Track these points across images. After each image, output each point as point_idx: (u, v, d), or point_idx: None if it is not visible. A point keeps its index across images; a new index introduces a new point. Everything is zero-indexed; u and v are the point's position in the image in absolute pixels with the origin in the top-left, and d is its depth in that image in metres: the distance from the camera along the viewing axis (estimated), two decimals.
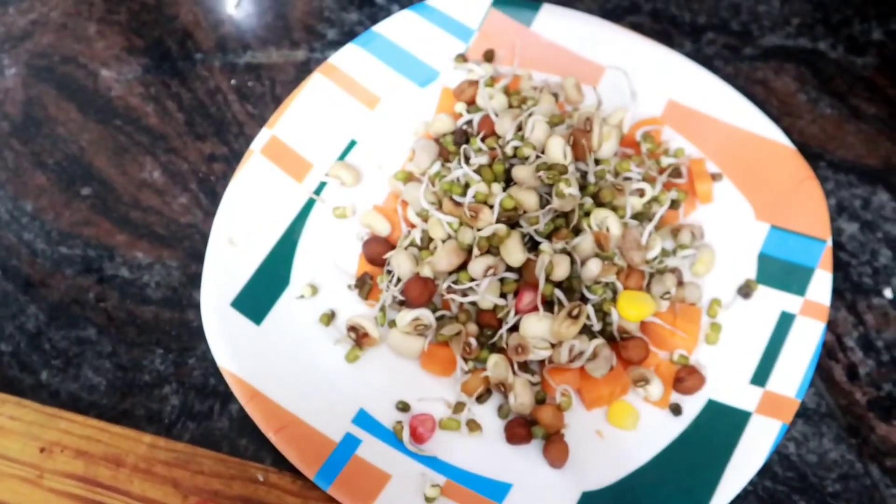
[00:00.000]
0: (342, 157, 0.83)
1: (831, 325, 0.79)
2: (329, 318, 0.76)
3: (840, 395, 0.77)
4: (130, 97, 0.89)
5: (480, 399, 0.74)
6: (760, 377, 0.74)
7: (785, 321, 0.76)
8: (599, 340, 0.73)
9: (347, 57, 0.86)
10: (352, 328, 0.75)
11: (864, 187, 0.86)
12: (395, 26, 0.87)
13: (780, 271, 0.78)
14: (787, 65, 0.92)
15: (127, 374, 0.77)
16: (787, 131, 0.88)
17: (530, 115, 0.79)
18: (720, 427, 0.73)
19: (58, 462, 0.71)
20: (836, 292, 0.81)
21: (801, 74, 0.92)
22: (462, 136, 0.81)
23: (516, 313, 0.73)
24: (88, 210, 0.84)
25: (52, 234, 0.82)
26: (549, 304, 0.73)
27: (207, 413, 0.75)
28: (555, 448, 0.72)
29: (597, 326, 0.74)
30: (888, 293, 0.81)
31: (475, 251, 0.73)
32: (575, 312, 0.71)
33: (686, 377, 0.74)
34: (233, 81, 0.90)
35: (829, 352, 0.78)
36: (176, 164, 0.86)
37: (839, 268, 0.82)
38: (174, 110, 0.88)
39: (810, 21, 0.95)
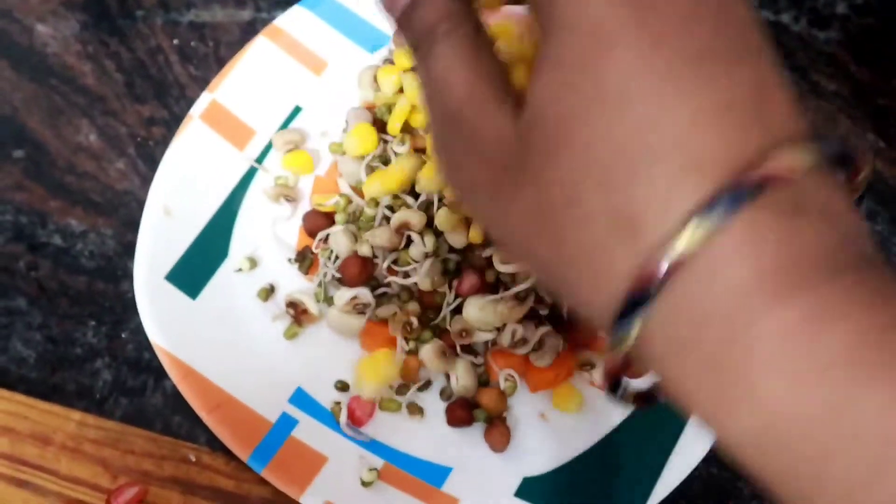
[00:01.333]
0: (286, 124, 0.81)
1: None
2: (268, 293, 0.74)
3: None
4: (67, 55, 0.85)
5: (422, 388, 0.72)
6: None
7: None
8: (546, 328, 0.71)
9: (294, 19, 0.83)
10: (291, 304, 0.73)
11: None
12: None
13: None
14: None
15: (58, 347, 0.74)
16: None
17: None
18: (666, 411, 0.71)
19: None
20: None
21: None
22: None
23: (458, 296, 0.71)
24: (21, 174, 0.80)
25: None
26: (494, 286, 0.71)
27: (141, 389, 0.73)
28: (496, 432, 0.70)
29: (545, 310, 0.72)
30: None
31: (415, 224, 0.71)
32: (522, 295, 0.69)
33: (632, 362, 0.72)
34: (175, 41, 0.86)
35: None
36: (113, 128, 0.82)
37: None
38: (113, 70, 0.85)
39: None
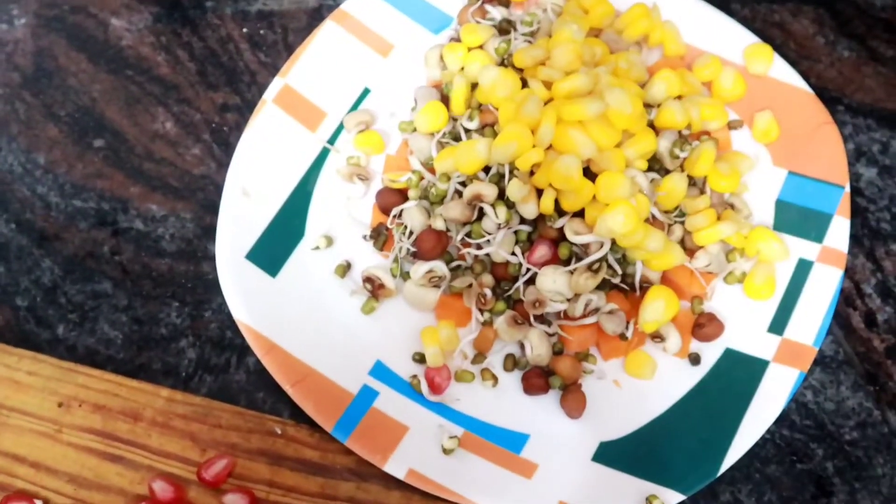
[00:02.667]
0: (356, 106, 0.83)
1: (849, 272, 0.79)
2: (344, 269, 0.76)
3: (858, 343, 0.76)
4: (141, 47, 0.88)
5: (506, 366, 0.74)
6: (778, 325, 0.74)
7: (802, 268, 0.76)
8: (614, 305, 0.73)
9: (360, 3, 0.85)
10: (367, 279, 0.75)
11: (883, 131, 0.85)
12: None
13: (797, 218, 0.78)
14: (804, 7, 0.91)
15: (143, 327, 0.77)
16: (805, 75, 0.86)
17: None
18: (738, 376, 0.73)
19: (76, 416, 0.72)
20: (854, 239, 0.80)
21: (818, 16, 0.90)
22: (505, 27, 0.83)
23: (529, 267, 0.73)
24: (101, 162, 0.83)
25: (65, 186, 0.82)
26: (567, 258, 0.73)
27: (224, 366, 0.75)
28: (572, 398, 0.72)
29: (617, 278, 0.73)
30: None
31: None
32: (595, 266, 0.71)
33: (706, 323, 0.74)
34: (244, 29, 0.89)
35: (847, 299, 0.78)
36: (188, 115, 0.85)
37: (857, 214, 0.81)
38: (185, 60, 0.88)
39: None
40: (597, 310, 0.72)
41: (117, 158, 0.83)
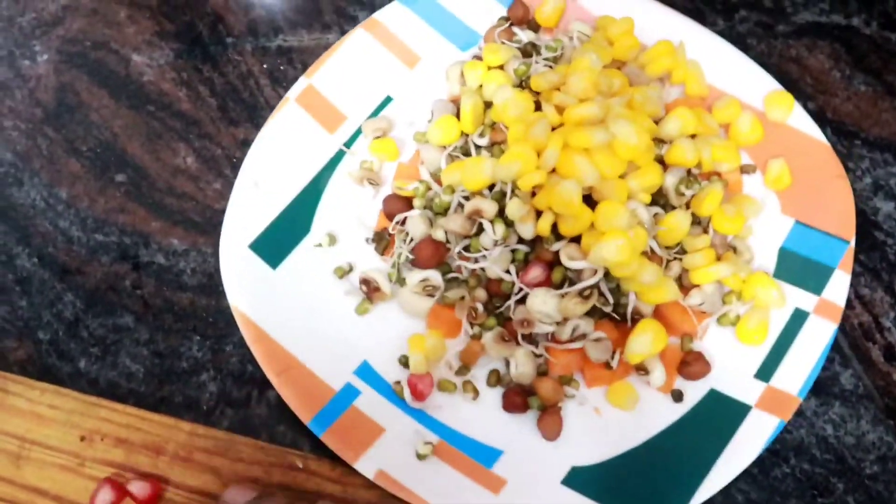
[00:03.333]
0: (376, 113, 0.85)
1: (868, 306, 0.79)
2: (344, 271, 0.78)
3: (878, 377, 0.76)
4: (162, 82, 0.89)
5: (489, 381, 0.75)
6: (765, 372, 0.74)
7: (798, 318, 0.76)
8: (601, 334, 0.73)
9: (392, 14, 0.87)
10: (364, 281, 0.76)
11: None
12: None
13: (799, 267, 0.78)
14: (820, 42, 0.91)
15: (164, 361, 0.77)
16: (822, 109, 0.87)
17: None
18: (718, 417, 0.73)
19: (98, 450, 0.72)
20: (873, 272, 0.80)
21: (834, 51, 0.91)
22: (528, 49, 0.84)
23: (521, 286, 0.74)
24: (123, 197, 0.84)
25: (87, 221, 0.83)
26: (560, 281, 0.74)
27: (245, 400, 0.76)
28: (549, 420, 0.72)
29: (609, 307, 0.74)
30: None
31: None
32: (586, 293, 0.71)
33: (692, 362, 0.74)
34: (264, 65, 0.90)
35: (866, 333, 0.78)
36: (209, 150, 0.86)
37: (875, 248, 0.81)
38: (206, 95, 0.88)
39: None
40: (584, 336, 0.73)
41: (139, 193, 0.84)
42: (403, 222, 0.79)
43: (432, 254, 0.75)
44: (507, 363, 0.74)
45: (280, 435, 0.74)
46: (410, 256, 0.76)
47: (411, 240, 0.77)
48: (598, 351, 0.72)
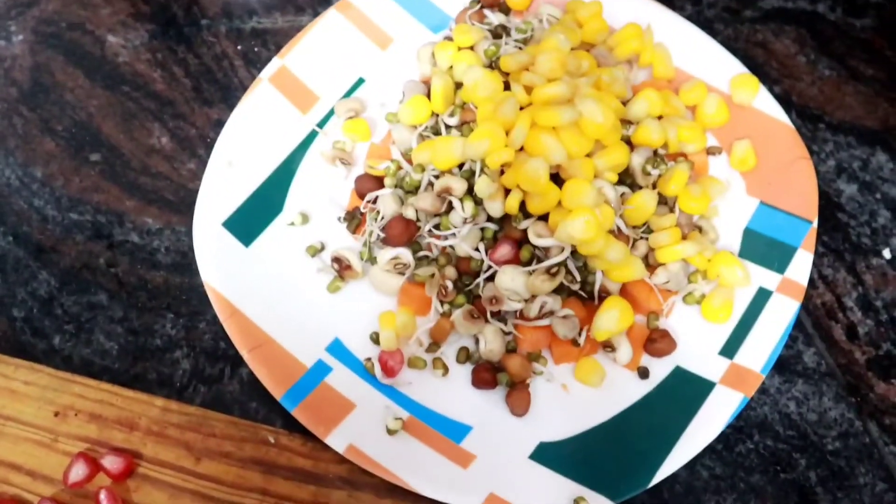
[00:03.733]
0: (349, 94, 0.85)
1: (831, 286, 0.81)
2: (316, 250, 0.79)
3: (840, 355, 0.78)
4: (137, 63, 0.90)
5: (459, 358, 0.76)
6: (729, 349, 0.75)
7: (761, 297, 0.77)
8: (569, 311, 0.74)
9: None
10: (336, 259, 0.77)
11: (863, 148, 0.87)
12: None
13: (763, 247, 0.79)
14: (786, 27, 0.93)
15: (138, 338, 0.78)
16: (787, 93, 0.88)
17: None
18: (683, 394, 0.74)
19: (72, 426, 0.73)
20: (836, 253, 0.82)
21: (800, 37, 0.92)
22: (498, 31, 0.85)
23: (490, 264, 0.75)
24: (98, 176, 0.85)
25: (62, 200, 0.83)
26: (529, 259, 0.75)
27: (218, 376, 0.76)
28: (518, 396, 0.73)
29: (577, 285, 0.75)
30: (887, 253, 0.82)
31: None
32: (553, 270, 0.72)
33: (658, 339, 0.75)
34: (239, 47, 0.91)
35: (829, 312, 0.80)
36: (184, 130, 0.87)
37: (839, 229, 0.83)
38: (181, 76, 0.89)
39: None
40: (551, 313, 0.74)
41: (113, 172, 0.85)
42: (375, 201, 0.80)
43: (402, 231, 0.76)
44: (477, 340, 0.76)
45: (253, 411, 0.75)
46: (381, 235, 0.77)
47: (382, 218, 0.78)
48: (565, 328, 0.73)
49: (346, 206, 0.81)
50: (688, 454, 0.71)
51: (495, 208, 0.74)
